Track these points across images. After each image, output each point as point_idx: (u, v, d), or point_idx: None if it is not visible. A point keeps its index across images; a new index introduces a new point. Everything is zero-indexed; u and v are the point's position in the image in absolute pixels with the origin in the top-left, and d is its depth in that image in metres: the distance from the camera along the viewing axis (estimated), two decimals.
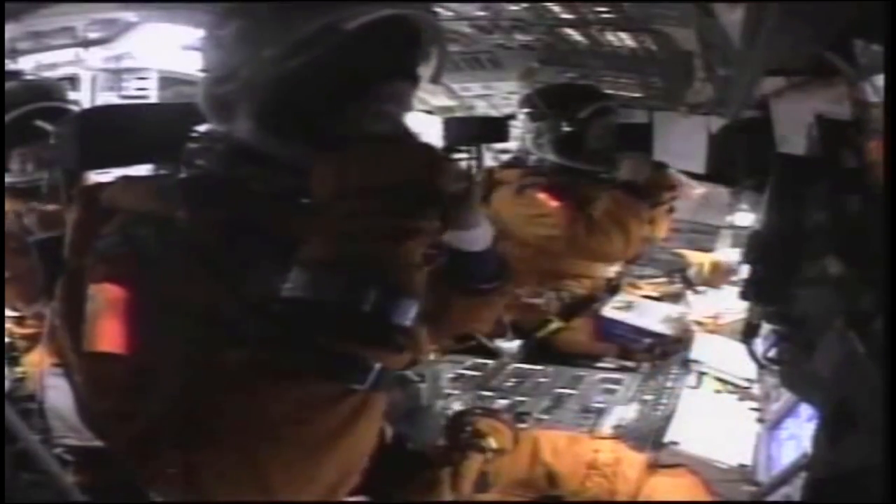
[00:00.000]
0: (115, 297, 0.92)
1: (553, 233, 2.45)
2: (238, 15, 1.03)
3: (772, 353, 1.33)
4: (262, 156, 1.04)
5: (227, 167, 1.07)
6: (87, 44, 3.34)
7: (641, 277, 2.97)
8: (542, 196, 2.48)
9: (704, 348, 1.92)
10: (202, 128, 1.13)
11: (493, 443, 1.34)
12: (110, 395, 0.91)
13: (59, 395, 1.17)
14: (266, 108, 1.02)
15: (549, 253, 2.52)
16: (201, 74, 1.08)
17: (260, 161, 1.04)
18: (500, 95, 3.78)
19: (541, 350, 2.42)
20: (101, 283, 0.94)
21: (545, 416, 1.78)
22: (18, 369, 1.85)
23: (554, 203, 2.46)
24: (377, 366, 0.86)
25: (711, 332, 2.19)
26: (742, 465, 1.38)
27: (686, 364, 1.84)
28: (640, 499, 1.35)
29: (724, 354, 1.85)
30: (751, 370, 1.69)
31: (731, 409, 1.64)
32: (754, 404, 1.63)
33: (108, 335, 0.91)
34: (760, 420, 1.55)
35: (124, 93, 3.61)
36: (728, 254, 2.89)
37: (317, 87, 1.02)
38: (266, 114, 1.03)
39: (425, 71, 1.12)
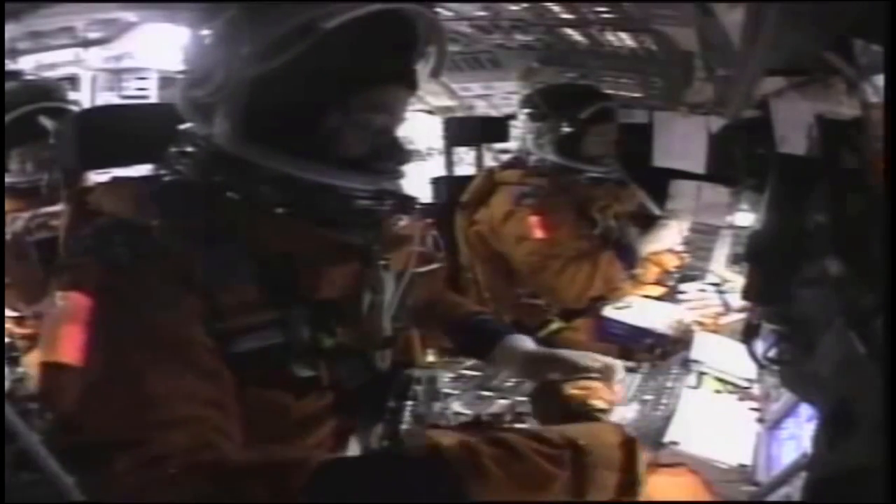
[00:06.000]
0: (79, 307, 0.89)
1: (528, 259, 2.46)
2: (219, 13, 0.97)
3: (772, 353, 1.33)
4: (238, 162, 0.99)
5: (205, 173, 1.02)
6: (87, 44, 3.33)
7: None
8: (532, 220, 2.46)
9: (704, 348, 1.91)
10: (183, 127, 1.08)
11: (598, 403, 1.24)
12: (58, 406, 0.88)
13: None
14: (242, 112, 0.97)
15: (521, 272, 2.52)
16: (180, 76, 1.03)
17: (237, 168, 0.99)
18: (500, 95, 3.77)
19: None
20: (66, 289, 0.91)
21: None
22: (18, 369, 1.84)
23: (539, 233, 2.45)
24: None
25: (711, 332, 2.19)
26: (742, 465, 1.37)
27: (686, 364, 1.83)
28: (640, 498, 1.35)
29: (724, 354, 1.84)
30: (751, 370, 1.68)
31: (731, 409, 1.63)
32: (754, 404, 1.63)
33: (67, 346, 0.87)
34: (760, 420, 1.54)
35: (124, 93, 3.60)
36: None
37: (294, 90, 0.97)
38: (242, 117, 0.97)
39: (423, 68, 1.07)
